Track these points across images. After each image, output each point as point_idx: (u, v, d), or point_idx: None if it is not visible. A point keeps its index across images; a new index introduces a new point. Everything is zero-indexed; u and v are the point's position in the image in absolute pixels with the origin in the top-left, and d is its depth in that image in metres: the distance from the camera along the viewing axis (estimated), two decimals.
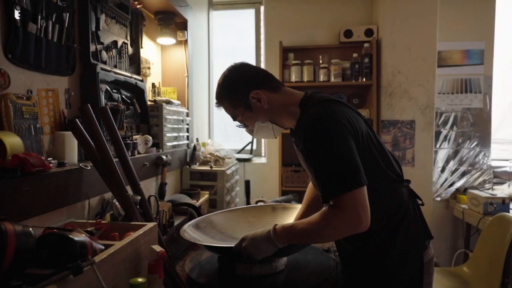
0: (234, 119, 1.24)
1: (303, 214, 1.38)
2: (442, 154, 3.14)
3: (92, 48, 1.49)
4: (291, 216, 1.52)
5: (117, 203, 1.30)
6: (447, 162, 3.14)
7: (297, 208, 1.50)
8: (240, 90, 1.18)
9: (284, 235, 1.08)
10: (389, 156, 1.15)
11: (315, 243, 1.13)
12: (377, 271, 1.13)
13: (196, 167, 2.36)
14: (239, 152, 3.32)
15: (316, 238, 1.10)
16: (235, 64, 1.23)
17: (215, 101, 1.26)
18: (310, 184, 1.43)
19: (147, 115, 1.97)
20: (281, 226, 1.10)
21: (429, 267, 1.15)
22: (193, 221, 1.45)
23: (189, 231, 1.36)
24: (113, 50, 1.69)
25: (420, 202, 1.19)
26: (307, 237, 1.07)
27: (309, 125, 1.04)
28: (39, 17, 1.20)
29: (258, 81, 1.19)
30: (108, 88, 1.64)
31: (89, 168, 1.26)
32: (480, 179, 3.11)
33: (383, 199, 1.10)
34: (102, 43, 1.59)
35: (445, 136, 3.15)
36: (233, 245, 1.16)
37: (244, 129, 1.27)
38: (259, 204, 2.29)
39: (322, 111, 1.06)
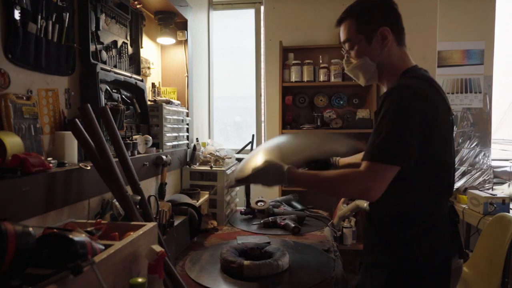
0: (346, 41, 1.18)
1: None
2: None
3: (92, 48, 1.49)
4: None
5: (117, 203, 1.30)
6: None
7: None
8: (375, 19, 1.12)
9: (295, 171, 1.12)
10: (448, 161, 1.10)
11: (320, 191, 1.16)
12: (400, 268, 1.07)
13: (196, 167, 2.35)
14: (239, 152, 3.31)
15: (324, 183, 1.10)
16: None
17: (338, 17, 1.19)
18: None
19: (147, 115, 1.97)
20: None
21: (455, 275, 1.11)
22: None
23: None
24: (113, 50, 1.69)
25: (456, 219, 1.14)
26: (317, 179, 1.10)
27: (396, 88, 1.03)
28: (39, 17, 1.19)
29: (393, 23, 1.13)
30: (108, 88, 1.64)
31: (89, 168, 1.26)
32: (480, 179, 3.11)
33: (422, 189, 1.08)
34: (102, 43, 1.59)
35: None
36: None
37: (345, 56, 1.23)
38: (259, 204, 2.29)
39: (413, 83, 1.05)
